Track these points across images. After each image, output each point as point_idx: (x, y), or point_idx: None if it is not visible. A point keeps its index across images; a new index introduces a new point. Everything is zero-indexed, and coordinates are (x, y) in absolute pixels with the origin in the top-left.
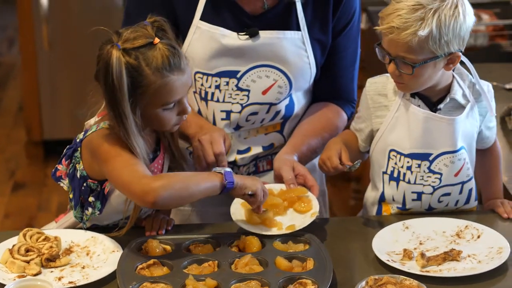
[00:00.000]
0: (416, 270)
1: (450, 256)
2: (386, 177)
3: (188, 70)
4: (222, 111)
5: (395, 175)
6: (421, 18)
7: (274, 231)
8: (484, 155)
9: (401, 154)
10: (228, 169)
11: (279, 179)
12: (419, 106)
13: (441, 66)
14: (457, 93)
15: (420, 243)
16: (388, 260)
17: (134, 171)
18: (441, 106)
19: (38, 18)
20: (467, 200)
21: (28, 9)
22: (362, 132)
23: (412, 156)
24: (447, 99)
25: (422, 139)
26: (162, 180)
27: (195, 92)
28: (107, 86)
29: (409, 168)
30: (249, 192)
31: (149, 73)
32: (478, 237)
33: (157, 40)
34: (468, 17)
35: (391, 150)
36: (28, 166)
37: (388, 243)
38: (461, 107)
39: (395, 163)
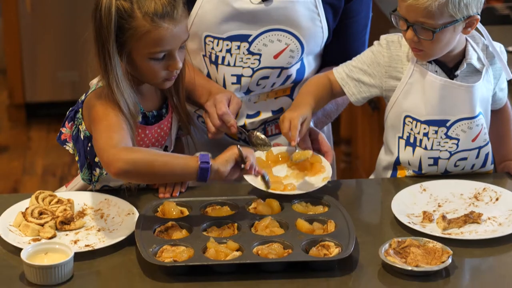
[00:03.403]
0: (438, 233)
1: (471, 218)
2: (402, 142)
3: (184, 24)
4: (232, 75)
5: (411, 140)
6: None
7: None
8: (496, 116)
9: (417, 120)
10: (206, 153)
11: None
12: (436, 72)
13: (460, 30)
14: (472, 58)
15: (439, 206)
16: (409, 223)
17: (110, 138)
18: (458, 72)
19: None
20: (484, 164)
21: None
22: (363, 85)
23: (429, 122)
24: (464, 65)
25: (439, 106)
26: (130, 155)
27: (204, 56)
28: (95, 24)
29: (425, 134)
30: (232, 164)
31: (139, 16)
32: (497, 199)
33: None
34: None
35: (406, 116)
36: (10, 129)
37: (407, 205)
38: (477, 71)
39: (411, 129)
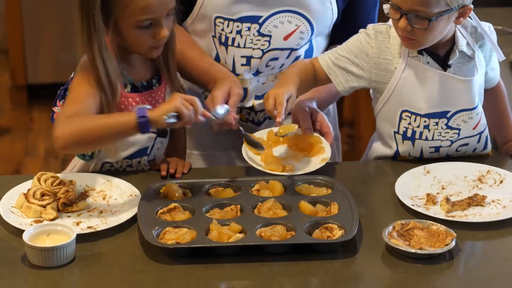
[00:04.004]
0: (441, 215)
1: (475, 201)
2: (399, 136)
3: None
4: (242, 56)
5: (409, 135)
6: None
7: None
8: (491, 96)
9: (416, 114)
10: (148, 106)
11: (296, 123)
12: (428, 63)
13: (453, 19)
14: (462, 44)
15: (443, 188)
16: (412, 205)
17: (66, 111)
18: (451, 62)
19: None
20: (485, 147)
21: None
22: (351, 74)
23: (430, 115)
24: (456, 53)
25: (439, 99)
26: (65, 128)
27: (214, 37)
28: None
29: (426, 127)
30: (172, 114)
31: None
32: (501, 182)
33: None
34: None
35: (404, 111)
36: (12, 110)
37: (410, 187)
38: (469, 58)
39: (409, 123)
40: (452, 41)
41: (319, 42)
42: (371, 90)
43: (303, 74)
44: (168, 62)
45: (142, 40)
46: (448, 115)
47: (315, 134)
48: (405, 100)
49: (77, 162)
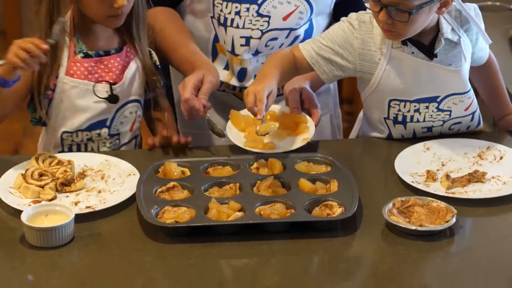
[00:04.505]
0: (441, 192)
1: (475, 177)
2: (390, 121)
3: None
4: (241, 37)
5: (400, 119)
6: None
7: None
8: (483, 72)
9: (406, 101)
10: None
11: (287, 102)
12: (413, 53)
13: (434, 10)
14: (447, 31)
15: (443, 164)
16: (412, 182)
17: None
18: (437, 51)
19: None
20: (478, 123)
21: None
22: (335, 64)
23: (419, 101)
24: (441, 42)
25: (427, 87)
26: None
27: (212, 17)
28: None
29: (416, 110)
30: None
31: None
32: (501, 158)
33: None
34: None
35: (391, 100)
36: None
37: (410, 164)
38: (454, 43)
39: (399, 110)
40: (437, 28)
41: (320, 21)
42: None
43: (283, 66)
44: (132, 34)
45: (100, 8)
46: (439, 100)
47: (303, 113)
48: (392, 90)
49: (43, 135)
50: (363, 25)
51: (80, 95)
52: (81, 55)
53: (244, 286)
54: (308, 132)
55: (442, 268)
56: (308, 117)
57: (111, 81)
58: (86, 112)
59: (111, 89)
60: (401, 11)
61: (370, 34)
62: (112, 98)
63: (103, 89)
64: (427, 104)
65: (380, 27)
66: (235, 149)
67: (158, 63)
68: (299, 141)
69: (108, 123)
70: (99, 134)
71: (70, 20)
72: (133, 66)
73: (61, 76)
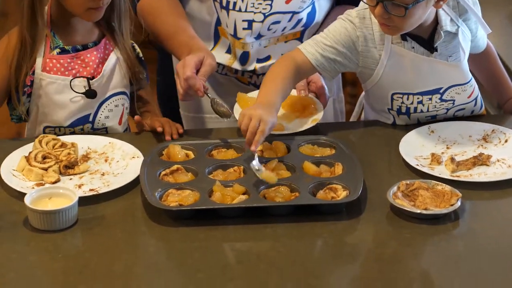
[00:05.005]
0: (446, 175)
1: (480, 160)
2: (394, 112)
3: None
4: (244, 20)
5: (403, 111)
6: None
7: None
8: (483, 59)
9: (408, 94)
10: None
11: None
12: (413, 48)
13: (432, 3)
14: (446, 23)
15: (447, 147)
16: (417, 165)
17: None
18: (437, 45)
19: None
20: (481, 107)
21: None
22: (339, 64)
23: (422, 93)
24: (441, 35)
25: (429, 80)
26: None
27: (215, 1)
28: None
29: (420, 102)
30: None
31: None
32: (506, 141)
33: None
34: None
35: (394, 93)
36: None
37: (415, 147)
38: (453, 34)
39: (402, 102)
40: (435, 21)
41: (322, 4)
42: None
43: (284, 83)
44: (113, 26)
45: (80, 0)
46: (441, 91)
47: (310, 95)
48: (394, 85)
49: (27, 130)
50: (363, 21)
51: (58, 91)
52: (58, 50)
53: (248, 269)
54: (317, 113)
55: (447, 251)
56: (315, 99)
57: (88, 76)
58: (66, 108)
59: (89, 84)
60: (397, 5)
61: (370, 30)
62: (89, 93)
63: (80, 84)
64: (430, 96)
65: (377, 21)
66: (239, 132)
67: (141, 55)
68: (309, 122)
69: (90, 119)
70: (82, 129)
71: (47, 15)
72: (113, 58)
73: (38, 72)
